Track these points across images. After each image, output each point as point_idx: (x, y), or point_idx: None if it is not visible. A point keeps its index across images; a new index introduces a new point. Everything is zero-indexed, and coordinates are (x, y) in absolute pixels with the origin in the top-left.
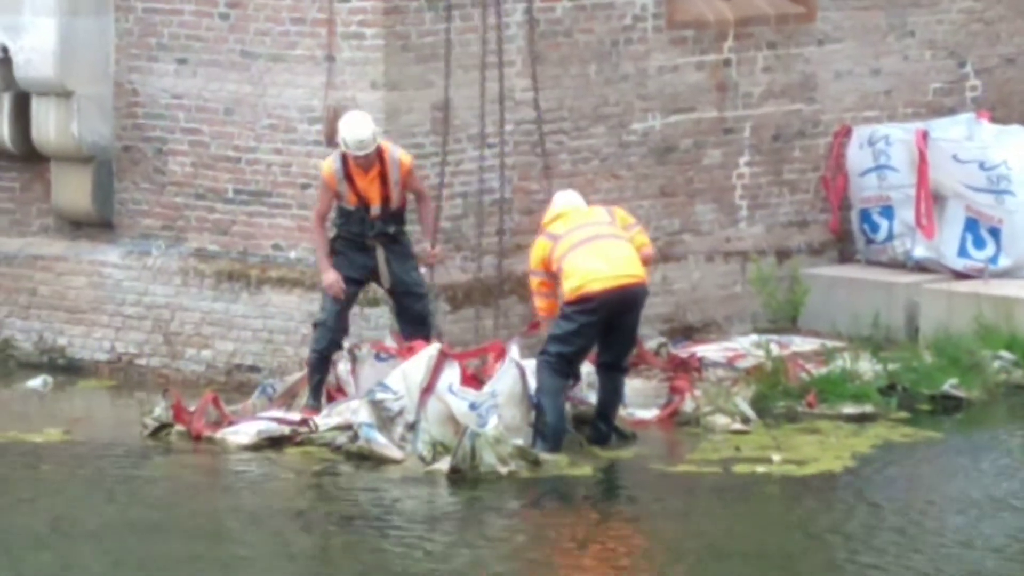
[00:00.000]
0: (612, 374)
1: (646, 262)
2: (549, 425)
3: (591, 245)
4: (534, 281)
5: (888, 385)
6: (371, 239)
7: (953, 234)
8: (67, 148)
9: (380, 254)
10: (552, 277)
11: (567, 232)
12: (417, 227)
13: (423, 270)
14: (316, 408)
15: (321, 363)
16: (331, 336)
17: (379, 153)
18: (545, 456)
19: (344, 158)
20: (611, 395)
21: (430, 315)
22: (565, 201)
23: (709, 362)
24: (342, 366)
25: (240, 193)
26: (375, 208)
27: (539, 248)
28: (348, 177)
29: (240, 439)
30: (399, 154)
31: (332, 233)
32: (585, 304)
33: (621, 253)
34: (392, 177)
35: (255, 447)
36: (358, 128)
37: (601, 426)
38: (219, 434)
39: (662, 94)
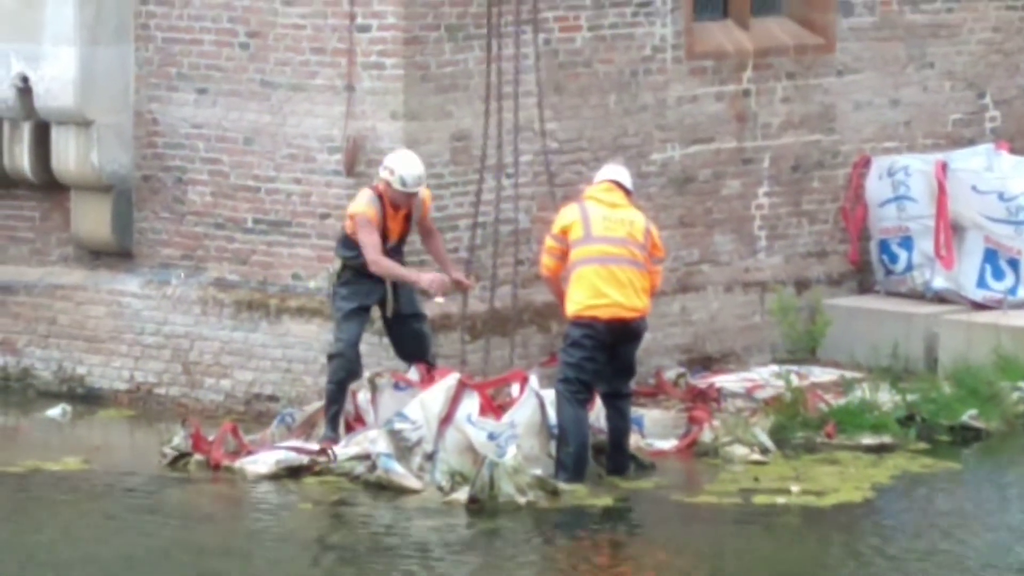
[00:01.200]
0: (615, 403)
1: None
2: (572, 455)
3: (611, 267)
4: (549, 242)
5: (907, 416)
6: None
7: (972, 265)
8: (87, 177)
9: (388, 284)
10: (562, 246)
11: (600, 237)
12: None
13: (439, 299)
14: (334, 439)
15: (338, 394)
16: (349, 367)
17: None
18: (564, 486)
19: (381, 197)
20: (620, 423)
21: (430, 336)
22: (613, 176)
23: (728, 392)
24: (362, 395)
25: (260, 223)
26: (391, 243)
27: (566, 217)
28: (383, 217)
29: (259, 468)
30: (423, 191)
31: (339, 264)
32: (588, 330)
33: (632, 283)
34: (415, 215)
35: (274, 476)
36: (414, 166)
37: (617, 456)
38: (238, 463)
39: (681, 124)
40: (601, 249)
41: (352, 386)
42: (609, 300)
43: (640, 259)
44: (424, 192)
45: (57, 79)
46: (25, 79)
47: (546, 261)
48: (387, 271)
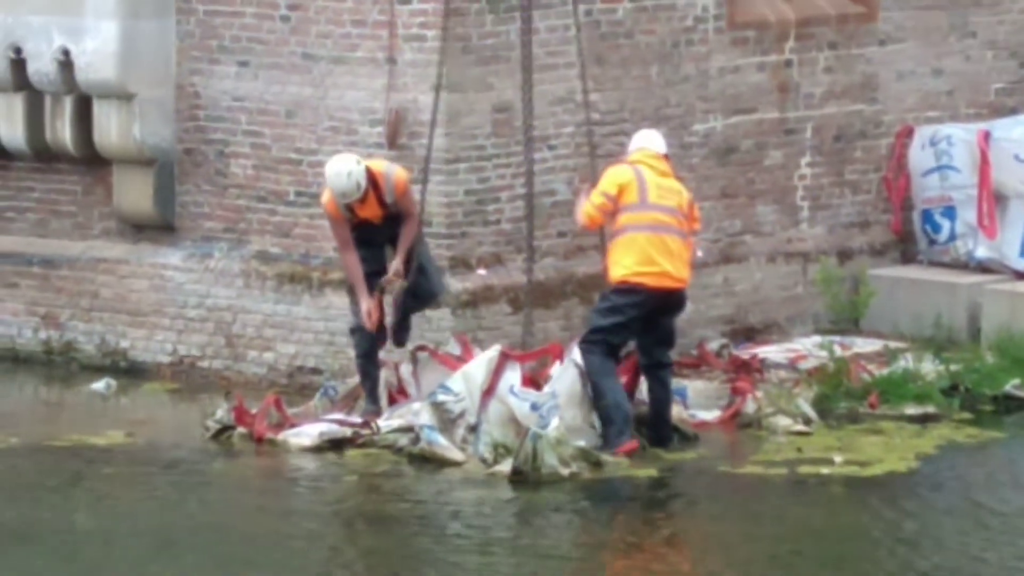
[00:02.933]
0: (657, 373)
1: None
2: (611, 405)
3: (663, 236)
4: (600, 199)
5: (951, 386)
6: (380, 241)
7: (1015, 234)
8: (129, 151)
9: (388, 252)
10: (614, 205)
11: (655, 204)
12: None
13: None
14: (376, 411)
15: (368, 366)
16: (370, 337)
17: (372, 179)
18: (607, 458)
19: None
20: (661, 394)
21: (439, 281)
22: (658, 147)
23: (771, 363)
24: (404, 368)
25: (302, 195)
26: (377, 223)
27: (622, 177)
28: (348, 207)
29: (302, 441)
30: (394, 175)
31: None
32: (633, 296)
33: (679, 253)
34: (387, 199)
35: (317, 449)
36: (337, 180)
37: (660, 427)
38: (281, 436)
39: (723, 95)
40: (654, 217)
41: (394, 358)
42: (659, 269)
43: (686, 230)
44: (397, 176)
45: (99, 52)
46: (67, 53)
47: (592, 214)
48: (347, 271)
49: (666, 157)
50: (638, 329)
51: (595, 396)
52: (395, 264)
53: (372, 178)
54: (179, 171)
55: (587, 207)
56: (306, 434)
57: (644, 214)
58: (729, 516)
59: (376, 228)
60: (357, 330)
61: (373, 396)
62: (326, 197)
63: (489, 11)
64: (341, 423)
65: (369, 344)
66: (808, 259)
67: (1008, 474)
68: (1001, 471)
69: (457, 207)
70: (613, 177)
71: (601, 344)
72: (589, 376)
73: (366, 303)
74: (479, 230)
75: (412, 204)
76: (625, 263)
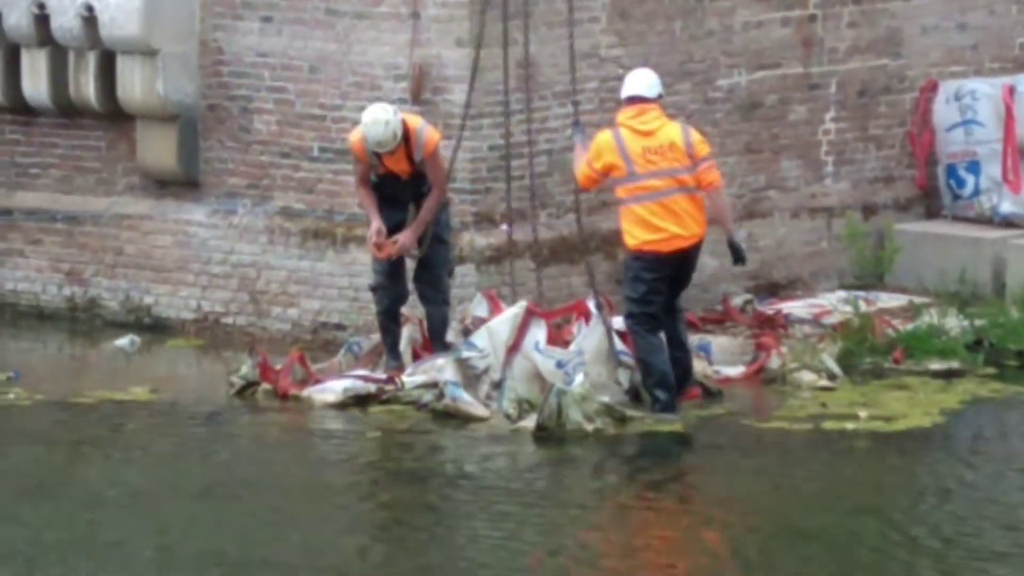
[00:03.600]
0: (670, 315)
1: (716, 198)
2: (657, 383)
3: (662, 201)
4: (587, 170)
5: (975, 341)
6: (405, 199)
7: None
8: (152, 107)
9: (411, 210)
10: (602, 178)
11: (645, 173)
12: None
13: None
14: (399, 367)
15: (389, 322)
16: (391, 294)
17: (406, 132)
18: (632, 413)
19: None
20: (675, 340)
21: (447, 258)
22: (635, 91)
23: (795, 319)
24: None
25: (326, 151)
26: (404, 180)
27: (605, 155)
28: (376, 154)
29: (326, 397)
30: (426, 136)
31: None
32: (650, 262)
33: (687, 210)
34: (416, 157)
35: (341, 405)
36: (374, 128)
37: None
38: (305, 392)
39: (747, 50)
40: (648, 185)
41: (420, 314)
42: (668, 233)
43: (689, 183)
44: (429, 135)
45: (122, 8)
46: (90, 8)
47: (584, 182)
48: (360, 200)
49: (658, 98)
50: (664, 287)
51: (643, 376)
52: (405, 232)
53: (405, 131)
54: (203, 127)
55: (579, 174)
56: (330, 390)
57: (636, 184)
58: (754, 471)
59: (401, 184)
60: (378, 287)
61: (394, 352)
62: (356, 136)
63: None
64: (365, 379)
65: (390, 301)
66: (832, 214)
67: None
68: None
69: (481, 163)
70: (596, 151)
71: (642, 320)
72: (637, 358)
73: (376, 223)
74: (502, 186)
75: (440, 171)
76: (635, 233)
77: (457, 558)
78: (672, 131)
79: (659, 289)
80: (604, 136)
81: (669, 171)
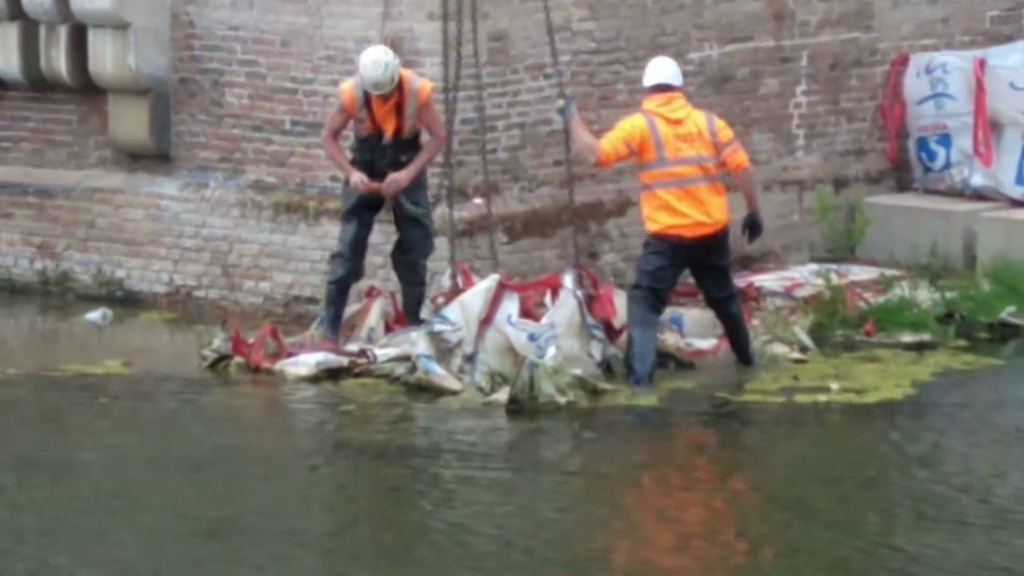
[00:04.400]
0: (722, 306)
1: (745, 179)
2: (637, 355)
3: (687, 188)
4: (620, 147)
5: (946, 313)
6: (382, 166)
7: (1011, 162)
8: (124, 80)
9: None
10: (628, 154)
11: (673, 159)
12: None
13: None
14: (335, 341)
15: (337, 295)
16: (348, 266)
17: (399, 82)
18: (604, 386)
19: None
20: (732, 324)
21: (425, 244)
22: (665, 79)
23: (767, 291)
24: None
25: (297, 125)
26: (387, 137)
27: (637, 135)
28: (367, 104)
29: (299, 370)
30: (419, 84)
31: (347, 156)
32: (672, 244)
33: (710, 199)
34: (408, 109)
35: (314, 378)
36: (373, 69)
37: (739, 353)
38: (278, 366)
39: (719, 23)
40: (675, 172)
41: (389, 287)
42: (691, 220)
43: (712, 171)
44: (422, 84)
45: None
46: None
47: (609, 152)
48: (329, 154)
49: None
50: (681, 270)
51: (628, 342)
52: (402, 172)
53: (400, 78)
54: (174, 101)
55: (606, 146)
56: (303, 363)
57: (664, 170)
58: (728, 444)
59: (381, 148)
60: (338, 256)
61: (335, 326)
62: (348, 85)
63: None
64: (338, 352)
65: (345, 272)
66: (804, 187)
67: (1008, 396)
68: (1000, 394)
69: (453, 136)
70: (628, 130)
71: (647, 292)
72: (629, 324)
73: (356, 175)
74: (475, 159)
75: (436, 120)
76: (658, 219)
77: (430, 529)
78: (698, 119)
79: (673, 271)
80: (638, 120)
81: (696, 158)
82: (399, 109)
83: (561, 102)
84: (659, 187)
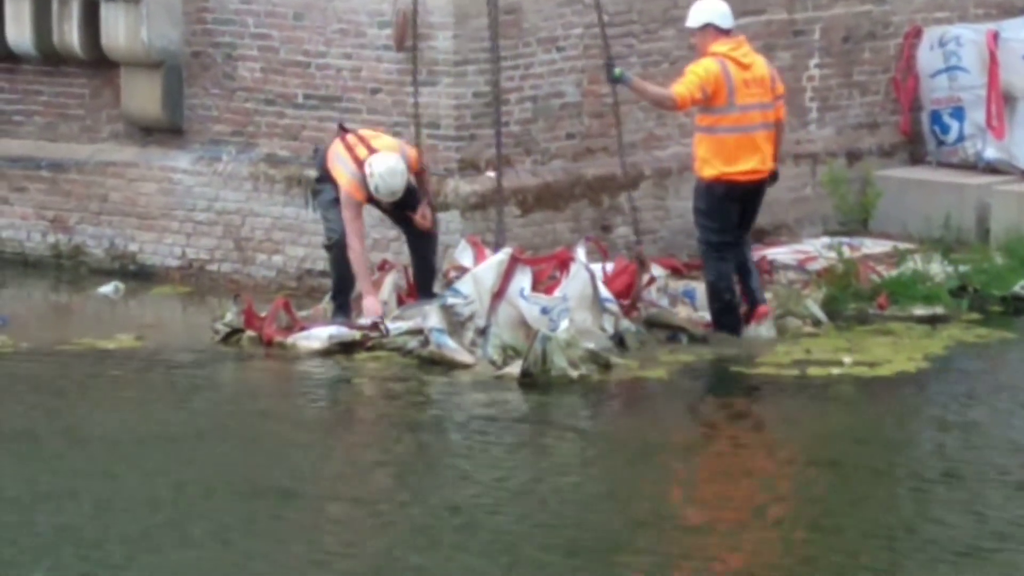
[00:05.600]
0: (736, 250)
1: (781, 134)
2: (722, 309)
3: (749, 134)
4: (696, 90)
5: (959, 287)
6: (395, 214)
7: None
8: (136, 54)
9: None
10: (706, 100)
11: (741, 105)
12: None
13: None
14: (345, 322)
15: (346, 282)
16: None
17: None
18: (616, 359)
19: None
20: (746, 265)
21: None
22: (730, 19)
23: (780, 265)
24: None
25: (310, 98)
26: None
27: (712, 78)
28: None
29: (311, 344)
30: (408, 153)
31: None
32: (726, 190)
33: (765, 146)
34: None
35: (326, 352)
36: (392, 180)
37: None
38: (290, 339)
39: None
40: (740, 118)
41: (404, 261)
42: (748, 167)
43: (770, 118)
44: (410, 152)
45: None
46: None
47: (685, 96)
48: (358, 268)
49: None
50: (737, 213)
51: (709, 299)
52: (423, 210)
53: None
54: (187, 74)
55: (682, 91)
56: (315, 337)
57: (731, 116)
58: (741, 416)
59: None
60: (335, 246)
61: (346, 310)
62: (354, 186)
63: None
64: (350, 326)
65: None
66: (817, 160)
67: (1020, 372)
68: (1013, 370)
69: (465, 109)
70: (704, 75)
71: (719, 247)
72: (707, 281)
73: (372, 301)
74: (488, 132)
75: (428, 178)
76: (715, 163)
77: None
78: (763, 65)
79: (735, 218)
80: (712, 65)
81: (759, 105)
82: None
83: (618, 70)
84: (722, 131)
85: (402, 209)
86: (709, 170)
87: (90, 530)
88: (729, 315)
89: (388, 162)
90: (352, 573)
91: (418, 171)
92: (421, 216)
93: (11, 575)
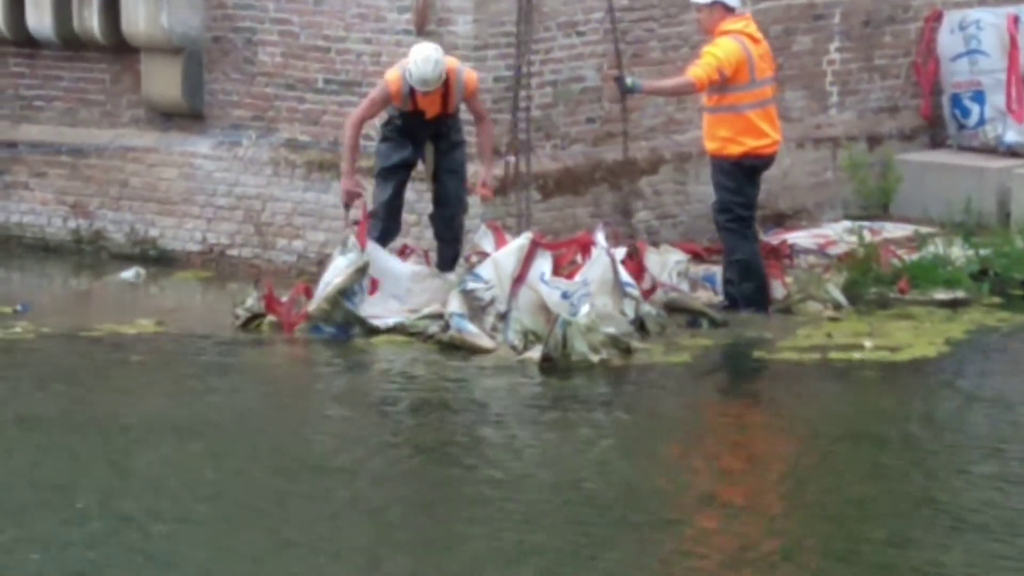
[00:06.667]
0: None
1: None
2: (755, 288)
3: (768, 108)
4: (713, 73)
5: (980, 270)
6: (423, 137)
7: None
8: (157, 39)
9: (429, 148)
10: (720, 80)
11: (760, 80)
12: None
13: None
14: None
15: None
16: (382, 226)
17: (446, 75)
18: (637, 344)
19: None
20: None
21: (462, 198)
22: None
23: (800, 249)
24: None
25: (330, 83)
26: (428, 117)
27: (735, 57)
28: (411, 95)
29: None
30: (466, 76)
31: (384, 118)
32: (756, 166)
33: (777, 119)
34: (454, 98)
35: (348, 338)
36: (424, 66)
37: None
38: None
39: None
40: (760, 92)
41: (425, 245)
42: (770, 140)
43: (775, 92)
44: (468, 75)
45: None
46: None
47: (703, 79)
48: (348, 141)
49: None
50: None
51: (741, 277)
52: (483, 174)
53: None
54: (207, 59)
55: (700, 74)
56: (381, 320)
57: (752, 92)
58: (762, 401)
59: (424, 123)
60: (373, 215)
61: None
62: (394, 75)
63: None
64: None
65: (379, 232)
66: (837, 144)
67: None
68: None
69: (486, 94)
70: (725, 57)
71: (748, 223)
72: (739, 259)
73: (347, 183)
74: (507, 117)
75: (483, 107)
76: (743, 140)
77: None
78: (764, 40)
79: (756, 192)
80: (731, 45)
81: (772, 79)
82: (444, 99)
83: (630, 80)
84: (747, 108)
85: (436, 139)
86: (735, 147)
87: (141, 516)
88: (762, 293)
89: (425, 50)
90: (411, 544)
91: (477, 110)
92: (482, 184)
93: (67, 557)
